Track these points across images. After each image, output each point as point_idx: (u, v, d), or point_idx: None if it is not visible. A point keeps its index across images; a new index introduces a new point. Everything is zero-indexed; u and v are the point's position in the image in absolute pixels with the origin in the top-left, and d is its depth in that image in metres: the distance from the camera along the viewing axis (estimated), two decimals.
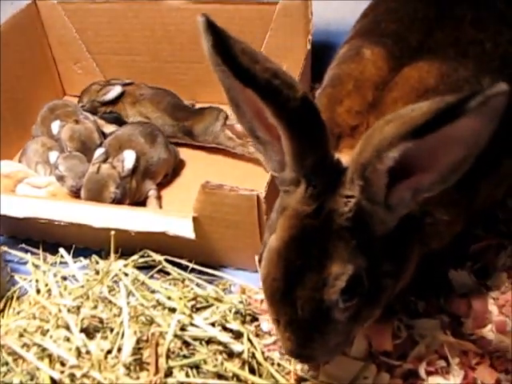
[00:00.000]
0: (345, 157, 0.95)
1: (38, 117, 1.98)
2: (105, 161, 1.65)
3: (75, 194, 1.67)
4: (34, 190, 1.67)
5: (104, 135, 1.88)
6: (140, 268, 1.41)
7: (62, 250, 1.48)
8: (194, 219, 1.34)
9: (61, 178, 1.68)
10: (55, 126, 1.81)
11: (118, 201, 1.59)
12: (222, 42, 0.80)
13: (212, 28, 0.80)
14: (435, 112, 0.73)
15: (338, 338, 0.95)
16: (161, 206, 1.72)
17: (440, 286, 1.32)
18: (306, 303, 0.89)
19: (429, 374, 1.17)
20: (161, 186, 1.79)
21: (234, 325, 1.23)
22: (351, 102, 1.09)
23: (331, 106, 1.14)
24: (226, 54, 0.80)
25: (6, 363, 1.21)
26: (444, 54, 1.13)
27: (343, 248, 0.88)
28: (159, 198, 1.74)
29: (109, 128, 1.93)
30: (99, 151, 1.68)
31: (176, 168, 1.85)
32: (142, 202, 1.72)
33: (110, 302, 1.28)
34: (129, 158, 1.64)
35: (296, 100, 0.81)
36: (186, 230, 1.34)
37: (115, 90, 1.95)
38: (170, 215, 1.39)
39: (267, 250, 0.92)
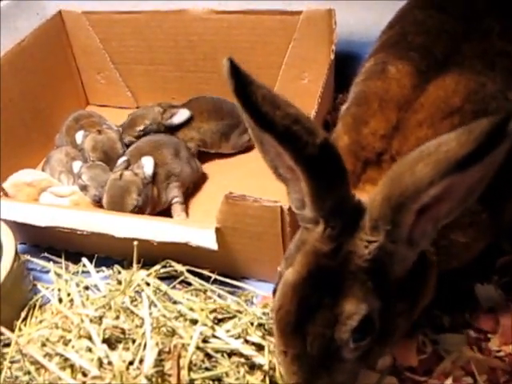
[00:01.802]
0: (368, 192, 0.96)
1: (62, 126, 2.00)
2: (126, 168, 1.65)
3: (98, 203, 1.67)
4: (57, 198, 1.68)
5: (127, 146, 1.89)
6: (162, 278, 1.40)
7: (84, 260, 1.48)
8: (217, 230, 1.33)
9: (84, 188, 1.69)
10: (79, 136, 1.83)
11: (139, 208, 1.58)
12: (243, 88, 0.81)
13: (236, 73, 0.81)
14: (478, 141, 0.72)
15: (344, 376, 0.94)
16: (187, 213, 1.72)
17: (466, 301, 1.30)
18: (316, 340, 0.88)
19: None
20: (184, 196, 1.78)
21: (256, 337, 1.22)
22: (376, 124, 1.09)
23: (356, 127, 1.14)
24: (247, 100, 0.81)
25: (29, 372, 1.22)
26: (471, 67, 1.12)
27: (358, 288, 0.88)
28: (183, 204, 1.73)
29: None
30: (122, 159, 1.69)
31: (198, 181, 1.85)
32: (167, 212, 1.72)
33: (132, 312, 1.28)
34: (148, 164, 1.64)
35: (315, 146, 0.81)
36: (209, 241, 1.34)
37: (182, 114, 1.89)
38: (193, 226, 1.39)
39: (283, 283, 0.92)
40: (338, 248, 0.89)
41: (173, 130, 1.88)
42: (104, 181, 1.67)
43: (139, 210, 1.58)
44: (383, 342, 0.94)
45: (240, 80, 0.81)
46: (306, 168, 0.83)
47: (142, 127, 1.87)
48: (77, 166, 1.73)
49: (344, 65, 1.77)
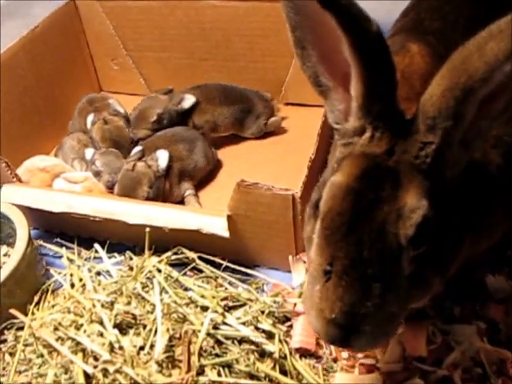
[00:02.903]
0: None
1: (75, 110, 2.00)
2: (140, 159, 1.65)
3: (110, 189, 1.68)
4: (70, 184, 1.68)
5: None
6: (173, 265, 1.41)
7: (96, 246, 1.49)
8: (229, 218, 1.34)
9: (97, 174, 1.70)
10: (89, 120, 1.84)
11: (150, 200, 1.58)
12: None
13: None
14: None
15: (394, 304, 0.84)
16: (200, 203, 1.71)
17: (477, 292, 1.30)
18: (377, 239, 0.80)
19: (464, 381, 1.14)
20: (196, 184, 1.78)
21: (266, 325, 1.22)
22: (398, 91, 1.06)
23: None
24: None
25: (42, 355, 1.23)
26: None
27: (417, 184, 0.83)
28: (196, 195, 1.72)
29: None
30: (136, 149, 1.69)
31: (213, 170, 1.84)
32: (180, 203, 1.71)
33: (144, 298, 1.29)
34: (162, 158, 1.64)
35: (372, 33, 0.78)
36: (220, 229, 1.34)
37: (189, 99, 1.85)
38: (205, 213, 1.39)
39: (330, 185, 0.85)
40: (390, 150, 0.85)
41: (185, 115, 1.86)
42: (118, 167, 1.67)
43: None
44: (436, 265, 0.88)
45: None
46: (363, 55, 0.80)
47: (155, 117, 1.83)
48: (89, 152, 1.74)
49: None
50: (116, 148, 1.78)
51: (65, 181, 1.69)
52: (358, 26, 0.78)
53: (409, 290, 0.86)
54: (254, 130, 1.91)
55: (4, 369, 1.27)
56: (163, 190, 1.64)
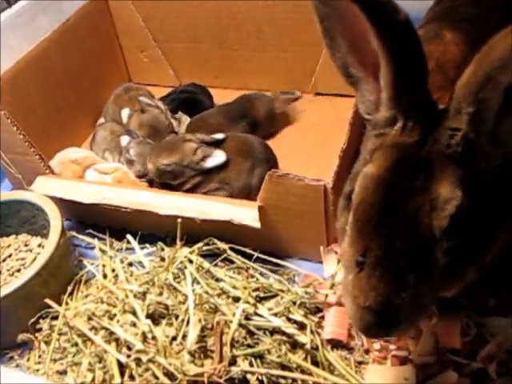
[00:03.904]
0: None
1: (112, 95, 2.02)
2: (216, 145, 1.60)
3: (140, 178, 1.68)
4: (101, 175, 1.70)
5: None
6: (204, 256, 1.41)
7: (128, 237, 1.50)
8: (260, 208, 1.33)
9: (130, 162, 1.70)
10: (124, 115, 1.85)
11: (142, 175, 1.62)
12: None
13: None
14: None
15: (428, 294, 0.83)
16: None
17: None
18: (410, 230, 0.80)
19: (499, 375, 1.13)
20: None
21: (298, 316, 1.22)
22: (432, 80, 0.99)
23: None
24: None
25: (76, 344, 1.25)
26: None
27: (451, 174, 0.82)
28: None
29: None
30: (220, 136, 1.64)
31: None
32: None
33: (175, 288, 1.29)
34: (217, 158, 1.57)
35: (400, 23, 0.78)
36: (252, 219, 1.34)
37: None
38: (236, 204, 1.39)
39: (362, 177, 0.85)
40: (422, 140, 0.84)
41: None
42: None
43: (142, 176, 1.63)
44: (470, 256, 0.87)
45: None
46: (391, 46, 0.79)
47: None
48: (125, 140, 1.74)
49: None
50: (154, 134, 1.79)
51: (96, 172, 1.70)
52: (385, 17, 0.78)
53: (442, 279, 0.85)
54: (264, 111, 1.86)
55: (40, 357, 1.30)
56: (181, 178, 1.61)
